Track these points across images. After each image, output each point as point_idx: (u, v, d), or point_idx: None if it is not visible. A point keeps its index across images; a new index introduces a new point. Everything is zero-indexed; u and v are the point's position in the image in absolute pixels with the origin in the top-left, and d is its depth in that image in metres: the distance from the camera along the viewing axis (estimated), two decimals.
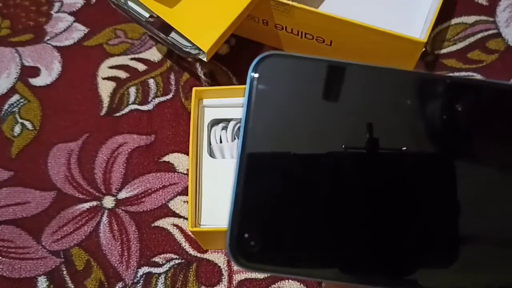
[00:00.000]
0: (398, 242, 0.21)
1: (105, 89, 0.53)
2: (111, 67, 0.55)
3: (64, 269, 0.45)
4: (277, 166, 0.22)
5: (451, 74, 0.52)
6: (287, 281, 0.43)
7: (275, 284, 0.43)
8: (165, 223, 0.46)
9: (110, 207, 0.47)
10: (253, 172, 0.21)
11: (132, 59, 0.55)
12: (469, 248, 0.21)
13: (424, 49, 0.43)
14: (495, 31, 0.54)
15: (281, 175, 0.21)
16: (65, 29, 0.57)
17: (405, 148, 0.21)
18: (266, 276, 0.44)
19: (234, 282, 0.44)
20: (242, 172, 0.21)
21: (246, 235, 0.20)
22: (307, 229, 0.21)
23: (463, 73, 0.52)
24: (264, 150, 0.21)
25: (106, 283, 0.44)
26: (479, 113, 0.22)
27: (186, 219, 0.46)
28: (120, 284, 0.44)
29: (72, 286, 0.44)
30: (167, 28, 0.45)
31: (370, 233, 0.21)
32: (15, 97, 0.53)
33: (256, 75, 0.22)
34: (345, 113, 0.22)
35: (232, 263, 0.20)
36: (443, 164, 0.21)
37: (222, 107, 0.45)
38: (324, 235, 0.21)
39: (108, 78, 0.54)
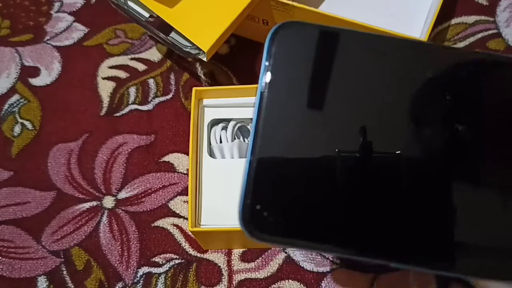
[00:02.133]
0: (408, 222, 0.21)
1: (105, 89, 0.53)
2: (111, 67, 0.55)
3: (64, 269, 0.45)
4: (292, 138, 0.21)
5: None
6: (287, 281, 0.43)
7: (275, 284, 0.43)
8: (165, 223, 0.46)
9: (110, 207, 0.47)
10: (267, 142, 0.21)
11: (132, 59, 0.55)
12: (470, 238, 0.21)
13: None
14: (495, 31, 0.54)
15: (296, 146, 0.21)
16: (65, 29, 0.57)
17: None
18: (266, 275, 0.44)
19: (234, 282, 0.44)
20: (257, 143, 0.21)
21: (258, 206, 0.20)
22: (321, 202, 0.21)
23: None
24: (279, 121, 0.21)
25: (106, 283, 0.44)
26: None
27: (186, 219, 0.46)
28: (120, 284, 0.44)
29: (72, 286, 0.44)
30: (167, 28, 0.45)
31: (384, 210, 0.21)
32: (15, 97, 0.53)
33: (274, 48, 0.21)
34: (368, 90, 0.21)
35: (244, 234, 0.20)
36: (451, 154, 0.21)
37: (222, 107, 0.45)
38: (338, 210, 0.21)
39: (108, 78, 0.54)
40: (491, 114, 0.21)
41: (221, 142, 0.44)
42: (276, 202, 0.21)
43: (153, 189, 0.48)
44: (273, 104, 0.21)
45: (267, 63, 0.21)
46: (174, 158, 0.49)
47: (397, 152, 0.21)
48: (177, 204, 0.47)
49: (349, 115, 0.21)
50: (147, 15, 0.46)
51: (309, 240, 0.20)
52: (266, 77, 0.21)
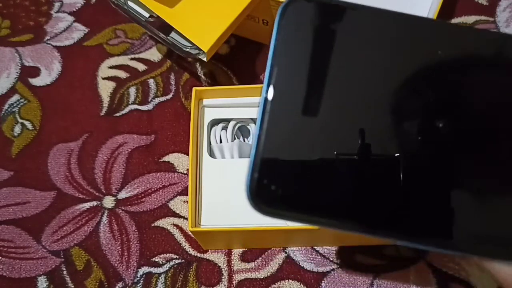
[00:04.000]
0: (414, 198, 0.21)
1: (105, 89, 0.53)
2: (111, 67, 0.55)
3: (64, 269, 0.45)
4: (300, 111, 0.21)
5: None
6: (287, 281, 0.43)
7: (275, 284, 0.43)
8: (165, 223, 0.46)
9: (110, 207, 0.47)
10: (275, 118, 0.21)
11: (132, 59, 0.55)
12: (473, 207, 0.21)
13: None
14: (495, 31, 0.54)
15: (304, 122, 0.21)
16: (65, 29, 0.57)
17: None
18: (266, 275, 0.44)
19: (234, 282, 0.44)
20: (265, 118, 0.21)
21: (266, 180, 0.20)
22: (328, 178, 0.21)
23: None
24: (288, 95, 0.21)
25: (106, 283, 0.44)
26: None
27: (186, 219, 0.46)
28: (120, 284, 0.44)
29: (72, 286, 0.44)
30: (167, 28, 0.45)
31: (390, 187, 0.21)
32: (15, 97, 0.53)
33: (284, 22, 0.22)
34: (376, 66, 0.22)
35: (253, 208, 0.20)
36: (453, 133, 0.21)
37: (222, 107, 0.45)
38: (345, 184, 0.21)
39: (108, 78, 0.54)
40: (492, 111, 0.22)
41: (221, 142, 0.44)
42: (284, 176, 0.21)
43: (153, 189, 0.48)
44: (282, 80, 0.21)
45: (276, 38, 0.21)
46: (174, 158, 0.49)
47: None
48: (177, 204, 0.47)
49: (358, 93, 0.22)
50: (147, 15, 0.46)
51: (316, 215, 0.21)
52: (275, 57, 0.21)
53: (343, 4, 0.22)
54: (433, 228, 0.20)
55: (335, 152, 0.21)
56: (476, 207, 0.21)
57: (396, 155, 0.21)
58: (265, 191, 0.20)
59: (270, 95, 0.21)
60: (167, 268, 0.45)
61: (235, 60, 0.54)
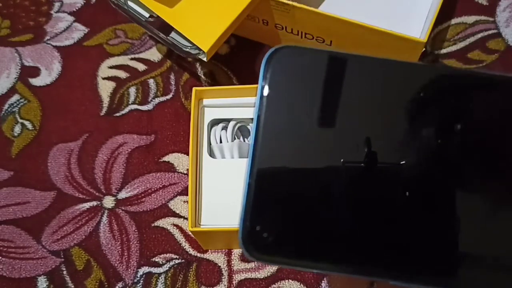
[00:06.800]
0: (408, 239, 0.21)
1: (105, 89, 0.53)
2: (111, 67, 0.55)
3: (64, 269, 0.45)
4: (289, 158, 0.21)
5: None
6: (287, 281, 0.43)
7: (275, 284, 0.43)
8: (165, 223, 0.46)
9: (110, 207, 0.47)
10: (265, 164, 0.21)
11: (132, 59, 0.55)
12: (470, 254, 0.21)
13: (424, 49, 0.43)
14: (495, 31, 0.54)
15: (294, 169, 0.21)
16: (65, 29, 0.57)
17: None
18: (266, 275, 0.44)
19: (234, 282, 0.44)
20: (255, 165, 0.21)
21: (258, 228, 0.20)
22: (320, 223, 0.21)
23: None
24: (276, 142, 0.21)
25: (106, 283, 0.44)
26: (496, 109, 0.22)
27: (186, 219, 0.46)
28: (120, 284, 0.44)
29: (72, 286, 0.44)
30: (167, 28, 0.45)
31: (383, 229, 0.21)
32: (15, 97, 0.53)
33: (269, 70, 0.22)
34: (360, 109, 0.22)
35: (245, 255, 0.21)
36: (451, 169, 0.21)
37: (222, 107, 0.45)
38: (337, 230, 0.21)
39: (108, 78, 0.54)
40: (494, 123, 0.22)
41: (221, 142, 0.44)
42: (276, 223, 0.21)
43: (153, 189, 0.48)
44: (270, 126, 0.21)
45: (263, 85, 0.22)
46: (174, 158, 0.49)
47: (401, 162, 0.21)
48: (177, 204, 0.47)
49: (348, 133, 0.22)
50: (147, 15, 0.46)
51: (309, 260, 0.21)
52: (263, 100, 0.22)
53: (327, 53, 0.22)
54: (435, 269, 0.20)
55: (326, 198, 0.21)
56: (479, 249, 0.21)
57: (388, 196, 0.21)
58: (257, 238, 0.20)
59: (258, 144, 0.21)
60: (167, 268, 0.45)
61: (235, 60, 0.54)
